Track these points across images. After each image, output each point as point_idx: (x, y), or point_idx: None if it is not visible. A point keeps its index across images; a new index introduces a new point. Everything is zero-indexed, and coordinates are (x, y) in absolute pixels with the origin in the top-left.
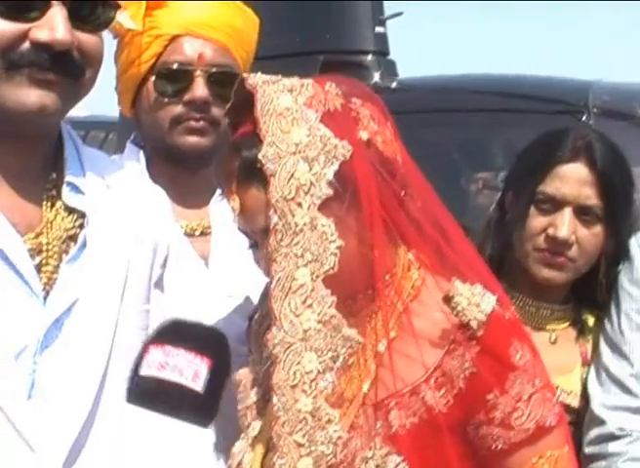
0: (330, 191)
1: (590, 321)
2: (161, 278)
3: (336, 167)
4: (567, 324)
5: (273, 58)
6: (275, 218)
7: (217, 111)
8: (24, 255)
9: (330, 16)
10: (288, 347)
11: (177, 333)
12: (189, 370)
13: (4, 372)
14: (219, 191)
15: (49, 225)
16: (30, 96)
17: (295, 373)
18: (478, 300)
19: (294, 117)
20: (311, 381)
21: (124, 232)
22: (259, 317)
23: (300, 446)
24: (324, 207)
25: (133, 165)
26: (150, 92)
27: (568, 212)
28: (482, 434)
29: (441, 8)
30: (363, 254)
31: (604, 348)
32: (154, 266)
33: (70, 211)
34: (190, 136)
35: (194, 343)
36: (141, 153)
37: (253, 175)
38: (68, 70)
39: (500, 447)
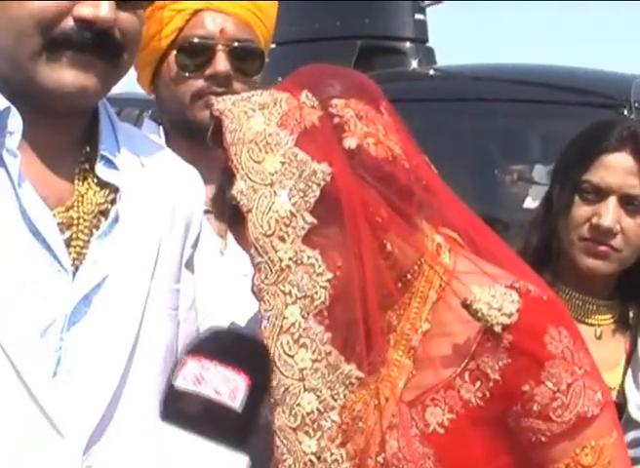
0: (313, 220)
1: (635, 316)
2: (192, 258)
3: (316, 193)
4: (612, 319)
5: (313, 41)
6: (258, 257)
7: (238, 86)
8: (54, 229)
9: (370, 1)
10: (285, 389)
11: (215, 346)
12: (226, 386)
13: (29, 348)
14: None
15: (80, 199)
16: (70, 77)
17: (295, 415)
18: (499, 303)
19: (266, 142)
20: (313, 422)
21: (157, 209)
22: None
23: None
24: (309, 237)
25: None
26: (171, 66)
27: (612, 201)
28: (521, 426)
29: None
30: (361, 275)
31: None
32: (186, 245)
33: (103, 185)
34: None
35: (233, 357)
36: (161, 129)
37: (236, 213)
38: (109, 50)
39: (540, 439)
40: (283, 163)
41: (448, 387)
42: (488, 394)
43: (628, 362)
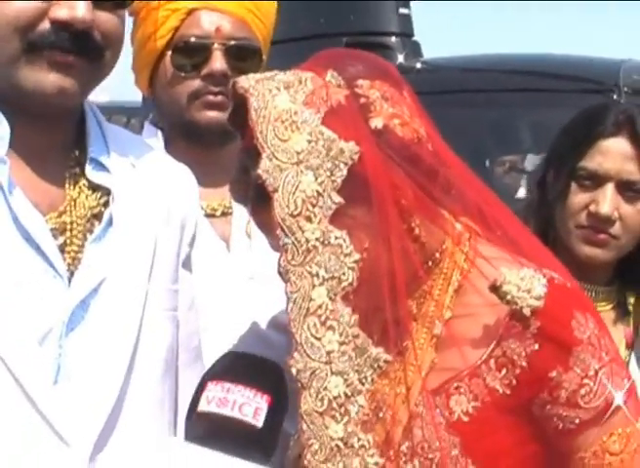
0: (340, 199)
1: (632, 302)
2: (189, 257)
3: (344, 172)
4: (611, 306)
5: (297, 39)
6: (284, 238)
7: None
8: (47, 235)
9: None
10: (312, 372)
11: (234, 368)
12: (249, 406)
13: (29, 357)
14: None
15: (72, 204)
16: (49, 79)
17: (322, 399)
18: (529, 286)
19: (292, 121)
20: (340, 406)
21: (151, 210)
22: None
23: None
24: (336, 217)
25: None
26: (167, 67)
27: (610, 187)
28: (547, 414)
29: None
30: (388, 257)
31: None
32: (182, 245)
33: (94, 188)
34: (209, 111)
35: (253, 379)
36: (160, 133)
37: (261, 193)
38: (88, 51)
39: (566, 427)
40: (309, 141)
41: (473, 375)
42: (514, 381)
43: (628, 348)
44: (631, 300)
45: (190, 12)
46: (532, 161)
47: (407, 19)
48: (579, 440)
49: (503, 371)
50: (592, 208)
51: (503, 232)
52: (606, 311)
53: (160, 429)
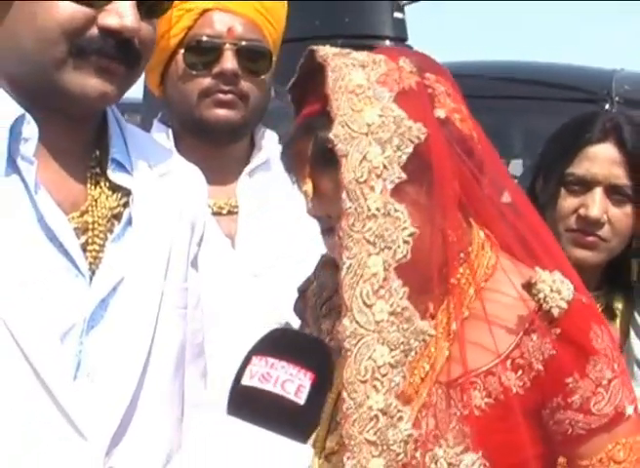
0: (403, 175)
1: (620, 306)
2: (196, 256)
3: (410, 150)
4: (600, 311)
5: (291, 41)
6: (348, 202)
7: (246, 85)
8: (71, 234)
9: (349, 0)
10: (360, 339)
11: (280, 344)
12: (292, 383)
13: (50, 353)
14: (247, 169)
15: (94, 203)
16: (94, 84)
17: (366, 368)
18: (559, 287)
19: (366, 95)
20: (383, 376)
21: (167, 210)
22: (315, 289)
23: (372, 444)
24: (397, 191)
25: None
26: (179, 65)
27: (599, 191)
28: (558, 419)
29: None
30: (437, 239)
31: (635, 342)
32: (192, 244)
33: (114, 189)
34: (219, 109)
35: (298, 356)
36: (170, 131)
37: (326, 156)
38: (129, 58)
39: (576, 432)
40: (380, 116)
41: (488, 373)
42: (529, 383)
43: None
44: (619, 306)
45: (203, 12)
46: (516, 166)
47: (401, 24)
48: (585, 446)
49: (519, 373)
50: (582, 211)
51: (528, 245)
52: None
53: (170, 424)
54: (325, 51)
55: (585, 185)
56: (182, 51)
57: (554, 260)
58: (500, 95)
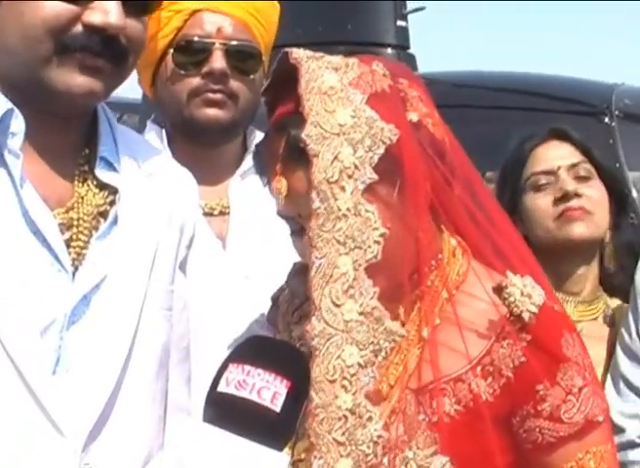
0: (375, 176)
1: (616, 313)
2: (185, 259)
3: (381, 151)
4: (594, 317)
5: (294, 46)
6: (317, 202)
7: (235, 84)
8: (55, 230)
9: (352, 7)
10: (328, 339)
11: (257, 351)
12: (268, 390)
13: (30, 347)
14: (239, 170)
15: (80, 200)
16: (79, 81)
17: (334, 368)
18: (530, 292)
19: (339, 97)
20: (352, 376)
21: (155, 211)
22: (287, 296)
23: (340, 444)
24: (368, 192)
25: (156, 143)
26: (169, 65)
27: (563, 173)
28: (528, 426)
29: (464, 3)
30: (408, 241)
31: (621, 357)
32: (180, 247)
33: (102, 187)
34: (208, 109)
35: (274, 363)
36: (163, 132)
37: (298, 155)
38: (116, 55)
39: (546, 440)
40: (353, 117)
41: (458, 379)
42: (499, 391)
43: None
44: (617, 312)
45: (193, 13)
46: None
47: (404, 32)
48: (556, 454)
49: (489, 380)
50: (557, 194)
51: (499, 250)
52: (588, 322)
53: (151, 423)
54: (299, 53)
55: (549, 176)
56: (172, 51)
57: (526, 266)
58: (500, 105)
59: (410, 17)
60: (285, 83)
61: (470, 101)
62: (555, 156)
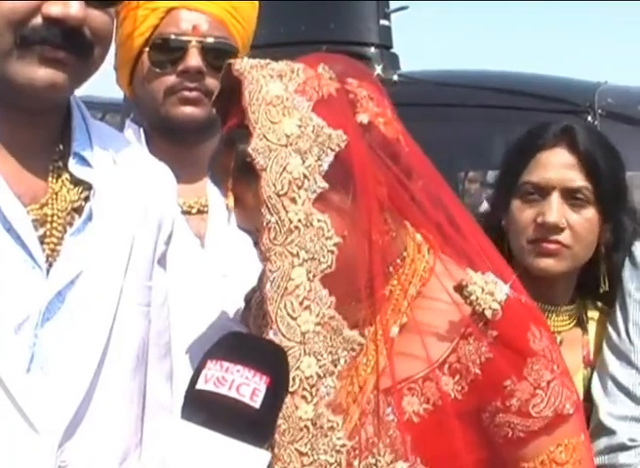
0: (325, 184)
1: (593, 319)
2: (164, 255)
3: (330, 158)
4: (572, 325)
5: (277, 45)
6: (268, 216)
7: (211, 82)
8: (28, 226)
9: (335, 6)
10: (287, 351)
11: (236, 348)
12: (247, 387)
13: (3, 344)
14: None
15: (54, 196)
16: (40, 73)
17: (294, 379)
18: (492, 289)
19: (284, 106)
20: (311, 387)
21: (130, 206)
22: (257, 299)
23: (303, 455)
24: (319, 201)
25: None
26: (145, 64)
27: (555, 196)
28: (498, 422)
29: (446, 3)
30: (364, 247)
31: (609, 357)
32: (158, 243)
33: (76, 183)
34: (184, 107)
35: (253, 359)
36: (141, 130)
37: (246, 169)
38: (78, 47)
39: (516, 435)
40: (299, 126)
41: (426, 378)
42: (467, 388)
43: (587, 367)
44: (595, 315)
45: (169, 11)
46: (493, 176)
47: (387, 31)
48: (527, 449)
49: (457, 377)
50: (539, 219)
51: (460, 247)
52: (567, 330)
53: (128, 421)
54: (242, 64)
55: (541, 192)
56: (148, 49)
57: (489, 262)
58: (483, 104)
59: (393, 16)
60: (232, 94)
61: (453, 100)
62: (556, 171)
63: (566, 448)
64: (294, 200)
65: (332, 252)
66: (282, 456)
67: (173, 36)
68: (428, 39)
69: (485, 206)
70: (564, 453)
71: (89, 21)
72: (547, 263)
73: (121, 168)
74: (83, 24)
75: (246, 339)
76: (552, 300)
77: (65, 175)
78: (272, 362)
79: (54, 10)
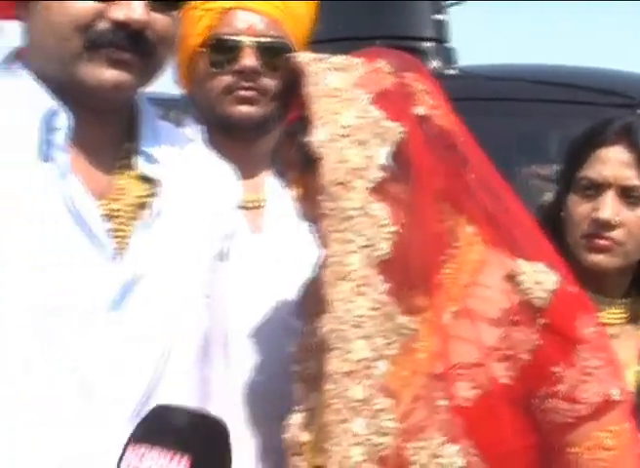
0: (382, 174)
1: None
2: (224, 249)
3: (388, 149)
4: (626, 318)
5: (332, 41)
6: (326, 203)
7: (267, 81)
8: (99, 220)
9: (389, 1)
10: (340, 334)
11: (155, 428)
12: None
13: (74, 335)
14: None
15: (121, 192)
16: (107, 75)
17: (347, 361)
18: (542, 278)
19: (343, 98)
20: (364, 369)
21: (194, 203)
22: (313, 286)
23: (354, 434)
24: (377, 190)
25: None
26: (202, 64)
27: (610, 193)
28: (546, 407)
29: None
30: (420, 235)
31: None
32: (220, 237)
33: (142, 179)
34: (241, 106)
35: (172, 440)
36: (201, 128)
37: (307, 160)
38: (143, 49)
39: (565, 420)
40: (358, 117)
41: (477, 364)
42: (517, 374)
43: None
44: None
45: (224, 11)
46: (550, 170)
47: (442, 26)
48: (574, 434)
49: (507, 363)
50: (594, 215)
51: (512, 238)
52: (622, 324)
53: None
54: (301, 57)
55: (598, 189)
56: (204, 50)
57: (540, 252)
58: (538, 98)
59: (451, 9)
60: (292, 87)
61: (509, 94)
62: (613, 168)
63: (613, 435)
64: (351, 189)
65: (387, 239)
66: (332, 435)
67: (228, 36)
68: (489, 34)
69: (544, 199)
70: (610, 439)
71: (152, 24)
72: (599, 259)
73: (185, 164)
74: (147, 27)
75: (168, 415)
76: (606, 293)
77: (132, 172)
78: (194, 439)
79: (119, 14)
